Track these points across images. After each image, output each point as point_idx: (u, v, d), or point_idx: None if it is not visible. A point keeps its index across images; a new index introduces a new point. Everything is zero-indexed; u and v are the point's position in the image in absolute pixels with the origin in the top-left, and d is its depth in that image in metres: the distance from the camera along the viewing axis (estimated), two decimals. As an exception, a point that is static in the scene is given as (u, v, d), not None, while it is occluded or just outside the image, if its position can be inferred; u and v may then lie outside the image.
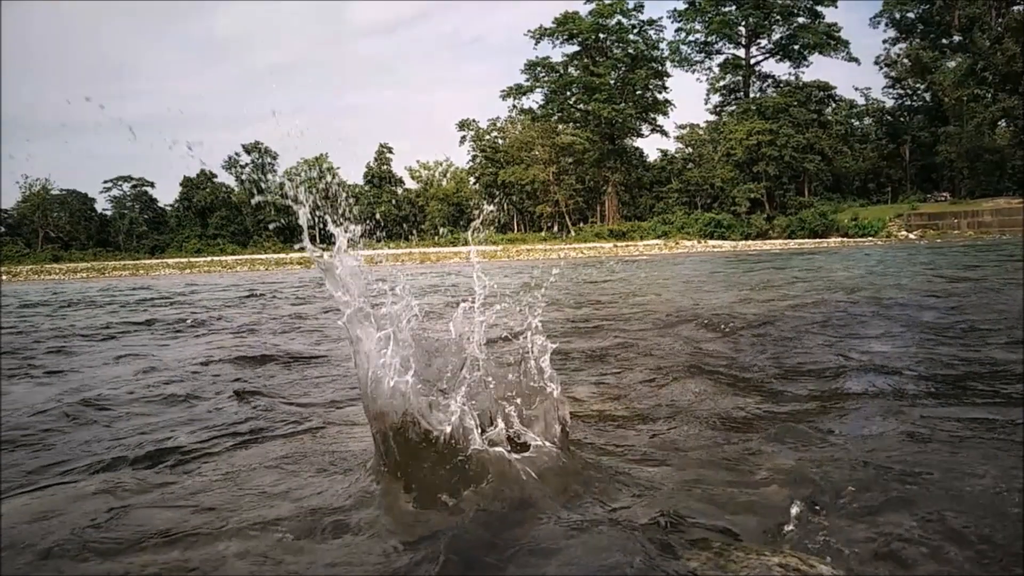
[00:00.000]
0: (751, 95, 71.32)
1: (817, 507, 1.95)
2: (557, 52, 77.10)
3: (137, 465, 2.59)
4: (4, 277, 43.54)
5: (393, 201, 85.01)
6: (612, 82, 72.22)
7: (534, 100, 76.47)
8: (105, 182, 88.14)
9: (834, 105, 72.20)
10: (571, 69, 74.19)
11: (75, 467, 2.62)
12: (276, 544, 1.89)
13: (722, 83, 73.95)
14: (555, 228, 73.83)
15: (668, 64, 73.94)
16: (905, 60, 69.12)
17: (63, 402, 3.66)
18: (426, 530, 1.91)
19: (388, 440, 2.25)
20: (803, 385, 3.49)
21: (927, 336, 4.90)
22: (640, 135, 76.27)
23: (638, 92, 72.91)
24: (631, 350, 4.77)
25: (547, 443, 2.27)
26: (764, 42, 71.76)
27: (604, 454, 2.49)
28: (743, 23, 70.47)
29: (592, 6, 71.42)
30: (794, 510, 1.94)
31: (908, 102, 72.35)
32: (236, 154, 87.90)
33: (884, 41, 73.74)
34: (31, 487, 2.44)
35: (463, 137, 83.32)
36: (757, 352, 4.53)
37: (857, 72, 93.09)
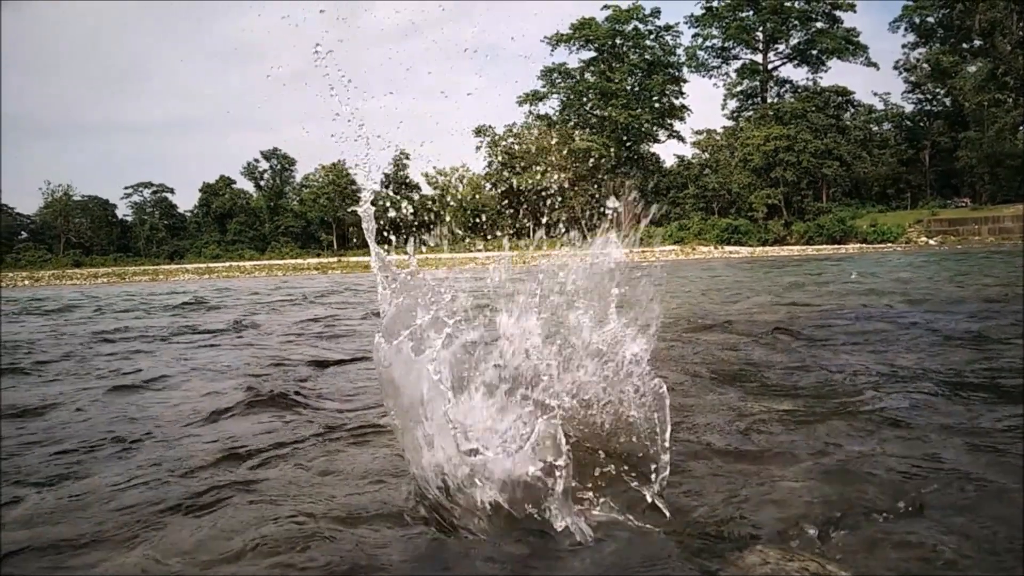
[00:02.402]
0: (768, 100, 70.92)
1: (844, 513, 1.96)
2: (573, 58, 77.21)
3: (222, 464, 2.68)
4: (26, 282, 44.15)
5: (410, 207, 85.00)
6: (628, 88, 72.09)
7: (550, 106, 76.55)
8: (126, 188, 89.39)
9: (853, 110, 71.62)
10: (587, 75, 74.14)
11: (170, 466, 2.72)
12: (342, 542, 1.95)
13: (739, 88, 73.59)
14: (570, 234, 73.44)
15: (685, 70, 73.78)
16: (925, 65, 68.51)
17: (147, 406, 3.77)
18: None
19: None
20: (838, 391, 3.50)
21: (966, 342, 4.89)
22: (657, 141, 76.05)
23: (655, 98, 72.72)
24: (664, 354, 4.79)
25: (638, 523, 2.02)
26: (782, 47, 71.33)
27: (622, 454, 2.52)
28: (760, 28, 70.11)
29: (609, 12, 71.44)
30: (819, 515, 1.95)
31: (928, 107, 71.71)
32: (255, 160, 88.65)
33: (903, 46, 73.11)
34: (142, 480, 2.55)
35: (479, 143, 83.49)
36: (791, 357, 4.54)
37: (876, 77, 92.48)
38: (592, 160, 69.68)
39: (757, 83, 72.44)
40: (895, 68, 71.98)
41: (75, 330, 8.65)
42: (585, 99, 74.00)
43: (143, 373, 4.94)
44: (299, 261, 61.40)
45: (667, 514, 2.01)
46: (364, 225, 2.40)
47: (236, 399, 3.73)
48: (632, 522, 1.95)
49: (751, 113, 71.58)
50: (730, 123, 75.39)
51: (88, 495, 2.44)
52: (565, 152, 70.62)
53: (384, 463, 2.60)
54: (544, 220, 2.92)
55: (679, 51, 73.37)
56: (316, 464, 2.64)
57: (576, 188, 72.22)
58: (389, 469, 2.53)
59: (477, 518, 1.98)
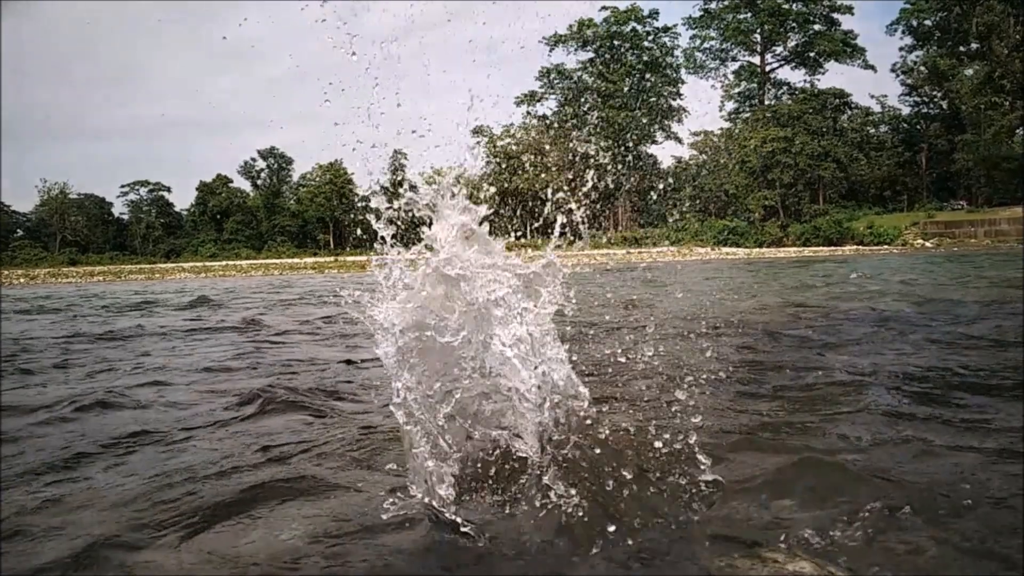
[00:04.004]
0: (766, 102, 71.12)
1: (844, 515, 1.96)
2: (571, 59, 77.20)
3: (261, 462, 2.70)
4: (22, 280, 44.06)
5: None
6: (626, 89, 72.20)
7: (548, 107, 76.60)
8: (122, 186, 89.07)
9: (850, 112, 71.84)
10: (585, 76, 74.22)
11: (209, 464, 2.74)
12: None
13: (737, 90, 73.77)
14: (567, 235, 73.45)
15: (683, 71, 73.95)
16: (922, 68, 68.72)
17: (181, 404, 3.77)
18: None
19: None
20: (845, 392, 3.50)
21: (972, 344, 4.89)
22: (654, 142, 76.19)
23: (652, 99, 72.84)
24: (677, 352, 4.80)
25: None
26: (780, 49, 71.53)
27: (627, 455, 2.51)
28: (758, 30, 70.30)
29: (607, 13, 71.56)
30: (820, 517, 1.96)
31: (925, 110, 71.92)
32: (252, 159, 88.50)
33: (901, 49, 73.10)
34: (182, 478, 2.57)
35: (477, 143, 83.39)
36: (800, 358, 4.55)
37: (873, 79, 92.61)
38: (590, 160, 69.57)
39: (755, 85, 72.61)
40: (892, 71, 72.23)
41: (91, 329, 8.64)
42: (583, 100, 74.07)
43: (170, 372, 4.95)
44: (296, 260, 61.33)
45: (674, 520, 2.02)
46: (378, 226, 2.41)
47: (269, 397, 3.73)
48: (634, 525, 1.96)
49: (748, 115, 71.74)
50: (727, 125, 75.64)
51: (129, 492, 2.45)
52: (562, 152, 70.64)
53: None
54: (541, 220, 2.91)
55: (677, 52, 73.59)
56: (354, 462, 2.65)
57: (574, 187, 72.04)
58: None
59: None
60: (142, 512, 2.25)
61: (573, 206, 2.65)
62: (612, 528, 1.93)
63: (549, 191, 2.72)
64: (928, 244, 51.87)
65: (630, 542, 1.87)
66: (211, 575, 1.84)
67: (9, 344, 6.84)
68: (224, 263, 60.87)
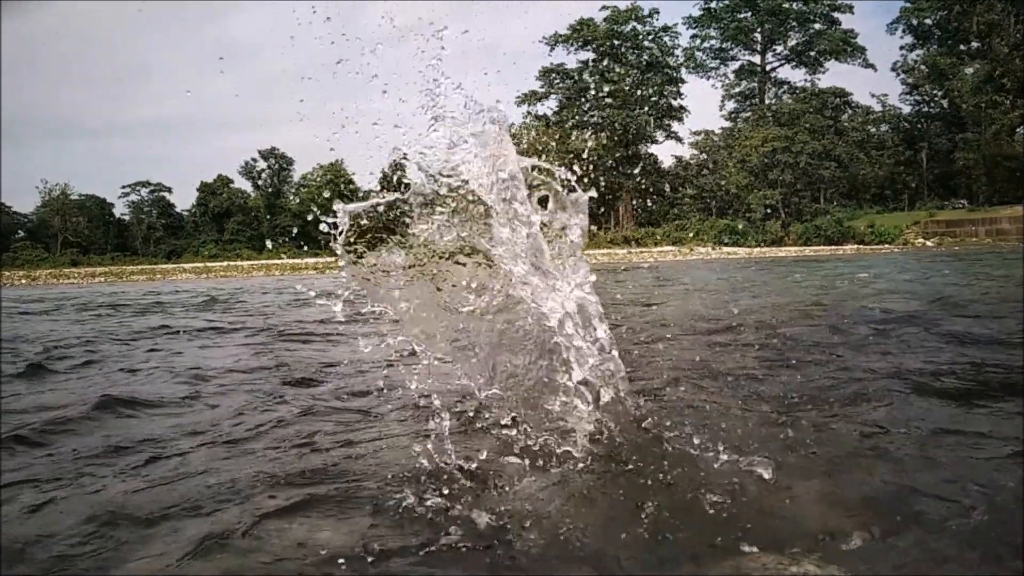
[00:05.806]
0: (766, 101, 71.11)
1: (845, 517, 1.97)
2: (572, 59, 77.07)
3: (312, 469, 2.73)
4: (23, 281, 44.06)
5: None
6: (627, 88, 72.16)
7: (548, 107, 76.53)
8: (123, 187, 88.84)
9: (850, 111, 71.80)
10: (585, 75, 74.10)
11: (264, 466, 2.78)
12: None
13: (737, 89, 73.80)
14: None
15: (683, 70, 73.93)
16: (922, 66, 68.67)
17: (223, 404, 3.83)
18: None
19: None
20: (850, 393, 3.47)
21: (981, 344, 4.89)
22: (655, 141, 76.15)
23: (653, 99, 72.80)
24: (686, 354, 4.83)
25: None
26: (780, 48, 71.58)
27: (628, 455, 2.51)
28: (759, 29, 70.32)
29: (607, 13, 71.50)
30: (820, 519, 1.96)
31: (925, 108, 71.87)
32: (253, 159, 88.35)
33: (901, 47, 72.99)
34: (232, 477, 2.60)
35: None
36: (807, 358, 4.55)
37: (874, 78, 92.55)
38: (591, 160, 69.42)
39: (755, 84, 72.62)
40: (893, 70, 72.15)
41: (115, 328, 8.66)
42: (583, 99, 74.00)
43: (205, 372, 4.96)
44: (297, 261, 61.20)
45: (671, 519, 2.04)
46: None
47: (309, 398, 3.77)
48: (630, 526, 1.97)
49: (749, 114, 71.73)
50: (728, 124, 75.60)
51: (176, 493, 2.48)
52: (563, 152, 70.40)
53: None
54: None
55: (677, 52, 73.56)
56: (397, 462, 2.68)
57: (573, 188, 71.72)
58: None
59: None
60: (191, 511, 2.29)
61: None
62: (629, 526, 1.96)
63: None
64: (929, 243, 51.85)
65: (624, 544, 1.88)
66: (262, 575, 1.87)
67: (35, 345, 6.88)
68: (225, 264, 60.76)
